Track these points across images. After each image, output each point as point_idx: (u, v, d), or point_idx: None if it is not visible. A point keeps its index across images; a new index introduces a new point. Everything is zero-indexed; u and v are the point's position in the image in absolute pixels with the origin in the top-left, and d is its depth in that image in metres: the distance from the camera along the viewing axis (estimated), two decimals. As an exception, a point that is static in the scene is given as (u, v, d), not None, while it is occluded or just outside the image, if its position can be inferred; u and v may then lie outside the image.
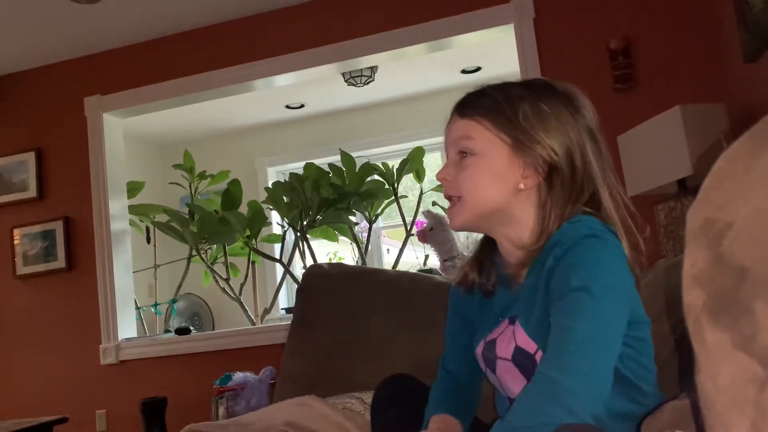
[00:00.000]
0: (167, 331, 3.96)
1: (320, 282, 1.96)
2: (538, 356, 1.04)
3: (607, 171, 1.09)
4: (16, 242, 3.70)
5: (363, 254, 3.81)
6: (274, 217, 4.38)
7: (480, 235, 1.21)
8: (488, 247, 1.19)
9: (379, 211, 3.94)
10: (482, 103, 1.09)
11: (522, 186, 1.07)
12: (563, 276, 0.99)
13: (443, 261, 2.95)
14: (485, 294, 1.18)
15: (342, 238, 3.92)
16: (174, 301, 4.23)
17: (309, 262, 3.72)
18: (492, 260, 1.18)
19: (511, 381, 1.10)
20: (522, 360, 1.06)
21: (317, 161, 4.01)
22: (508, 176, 1.07)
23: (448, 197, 1.13)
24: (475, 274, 1.18)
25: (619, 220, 1.07)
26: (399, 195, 3.85)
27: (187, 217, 3.87)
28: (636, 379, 1.04)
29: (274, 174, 5.59)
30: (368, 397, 1.48)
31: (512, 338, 1.08)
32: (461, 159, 1.10)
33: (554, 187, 1.05)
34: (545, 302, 1.03)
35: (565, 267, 0.99)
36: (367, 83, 4.18)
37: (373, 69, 4.07)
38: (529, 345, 1.05)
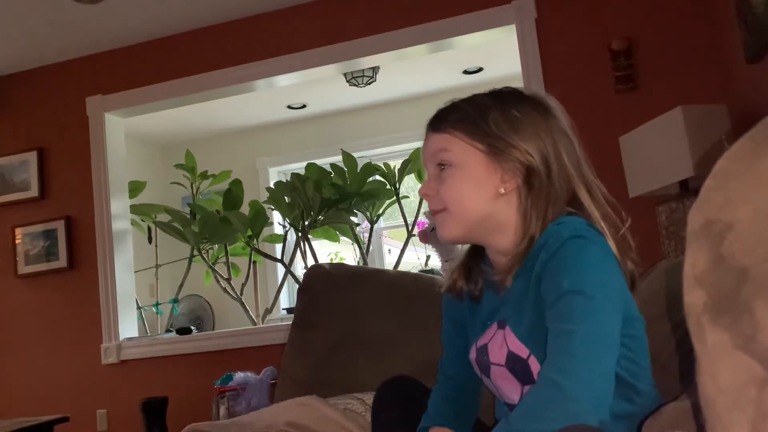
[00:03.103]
0: (168, 330, 3.96)
1: (321, 282, 1.96)
2: (531, 361, 1.04)
3: (582, 168, 1.10)
4: (17, 241, 3.71)
5: (364, 254, 3.81)
6: (276, 217, 4.38)
7: None
8: (475, 253, 1.20)
9: (380, 211, 3.94)
10: (454, 116, 1.12)
11: (502, 190, 1.08)
12: (553, 279, 0.99)
13: (444, 261, 2.95)
14: (473, 299, 1.19)
15: (343, 238, 3.92)
16: (175, 300, 4.24)
17: (310, 262, 3.73)
18: (479, 267, 1.18)
19: (506, 386, 1.10)
20: (515, 365, 1.06)
21: (319, 161, 4.01)
22: (487, 183, 1.08)
23: (433, 212, 1.14)
24: (463, 281, 1.19)
25: (601, 216, 1.07)
26: (400, 195, 3.85)
27: (189, 216, 3.87)
28: (631, 378, 1.04)
29: (276, 174, 5.59)
30: (369, 398, 1.48)
31: (504, 343, 1.08)
32: (440, 172, 1.12)
33: (533, 188, 1.07)
34: (536, 306, 1.03)
35: (553, 270, 1.00)
36: (369, 83, 4.18)
37: (374, 69, 4.07)
38: (522, 350, 1.05)
